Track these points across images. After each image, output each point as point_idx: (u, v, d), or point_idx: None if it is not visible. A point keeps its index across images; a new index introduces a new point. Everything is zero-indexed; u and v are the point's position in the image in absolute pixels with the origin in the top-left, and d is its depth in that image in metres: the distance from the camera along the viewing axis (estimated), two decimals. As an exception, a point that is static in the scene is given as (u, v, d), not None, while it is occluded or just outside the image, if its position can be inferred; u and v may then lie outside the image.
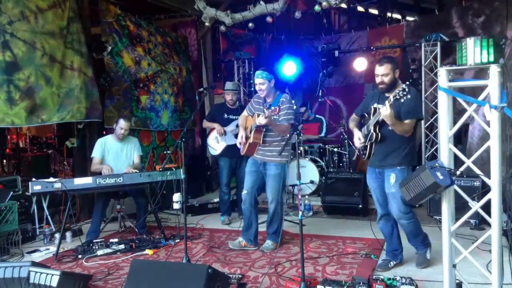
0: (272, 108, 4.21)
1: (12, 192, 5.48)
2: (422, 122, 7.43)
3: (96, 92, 6.25)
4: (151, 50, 7.60)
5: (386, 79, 3.76)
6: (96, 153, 5.50)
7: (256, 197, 4.84)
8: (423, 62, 7.63)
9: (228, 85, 6.02)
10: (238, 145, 4.86)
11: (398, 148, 3.83)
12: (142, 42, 7.40)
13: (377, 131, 3.85)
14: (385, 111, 3.57)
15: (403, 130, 3.72)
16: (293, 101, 4.57)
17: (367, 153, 3.96)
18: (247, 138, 4.71)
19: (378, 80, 3.83)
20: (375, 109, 3.85)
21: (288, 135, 4.57)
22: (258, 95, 4.79)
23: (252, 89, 8.81)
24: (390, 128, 3.79)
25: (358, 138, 4.03)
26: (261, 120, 4.23)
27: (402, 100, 3.56)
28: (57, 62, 5.70)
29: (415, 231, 3.97)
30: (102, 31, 6.64)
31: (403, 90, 3.50)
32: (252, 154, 4.75)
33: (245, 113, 4.98)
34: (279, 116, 4.40)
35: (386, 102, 3.60)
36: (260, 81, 4.56)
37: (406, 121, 3.72)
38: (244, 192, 4.79)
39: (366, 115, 4.00)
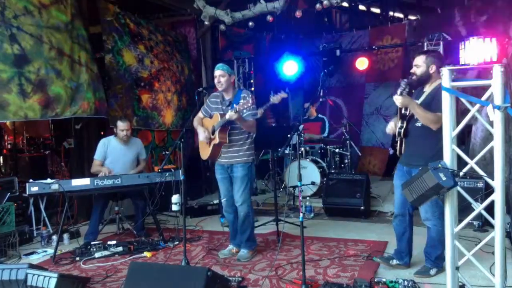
0: (241, 102, 4.06)
1: (9, 194, 5.47)
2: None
3: (102, 88, 6.22)
4: (153, 47, 7.56)
5: (418, 71, 3.68)
6: (97, 155, 5.46)
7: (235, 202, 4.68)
8: (425, 62, 7.57)
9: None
10: (204, 145, 4.57)
11: (424, 148, 3.65)
12: (143, 40, 7.38)
13: (403, 125, 3.76)
14: (397, 99, 3.53)
15: (427, 119, 3.53)
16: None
17: (398, 148, 3.88)
18: (210, 139, 4.49)
19: (412, 70, 3.75)
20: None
21: (253, 133, 4.50)
22: (214, 94, 4.63)
23: (252, 88, 8.78)
24: (417, 124, 3.70)
25: (391, 129, 3.95)
26: (232, 116, 4.06)
27: (405, 92, 3.50)
28: (66, 55, 5.64)
29: (436, 241, 3.80)
30: (102, 29, 6.61)
31: (406, 83, 3.46)
32: (216, 157, 4.54)
33: (200, 114, 4.71)
34: (244, 112, 4.25)
35: (398, 90, 3.53)
36: (220, 73, 4.38)
37: (436, 113, 3.52)
38: (223, 199, 4.66)
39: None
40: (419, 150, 3.70)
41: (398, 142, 3.86)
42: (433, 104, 3.59)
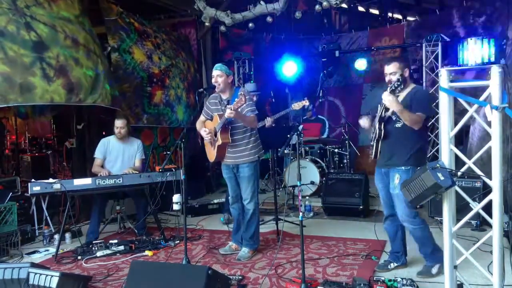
0: (236, 100, 4.08)
1: (11, 193, 5.48)
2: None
3: (114, 83, 6.20)
4: (160, 45, 7.57)
5: (395, 78, 3.69)
6: (98, 154, 5.50)
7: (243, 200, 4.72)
8: (424, 62, 7.62)
9: (251, 86, 5.90)
10: (210, 147, 4.59)
11: (404, 148, 3.73)
12: (150, 38, 7.39)
13: (382, 128, 3.78)
14: (386, 96, 3.54)
15: (412, 120, 3.58)
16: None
17: (373, 152, 3.89)
18: (214, 141, 4.49)
19: (386, 79, 3.79)
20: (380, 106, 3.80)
21: (255, 130, 4.54)
22: (213, 95, 4.65)
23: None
24: (396, 125, 3.73)
25: (363, 121, 3.98)
26: (230, 114, 4.06)
27: (398, 91, 3.57)
28: (81, 45, 5.61)
29: (423, 239, 3.85)
30: (106, 29, 6.61)
31: (398, 80, 3.51)
32: (223, 158, 4.56)
33: (201, 118, 4.71)
34: (243, 109, 4.27)
35: (388, 89, 3.58)
36: (218, 73, 4.40)
37: (417, 113, 3.62)
38: (230, 197, 4.72)
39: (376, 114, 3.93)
40: (399, 150, 3.75)
41: (374, 145, 3.87)
42: (413, 105, 3.65)
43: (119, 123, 5.48)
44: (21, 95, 4.89)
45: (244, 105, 4.14)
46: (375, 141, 3.85)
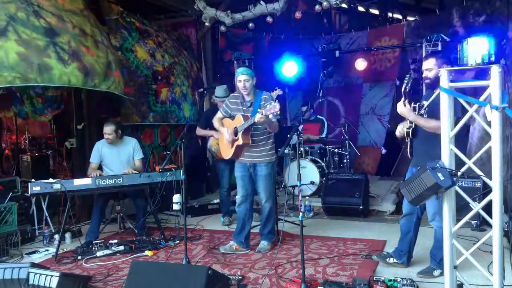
0: (269, 106, 4.14)
1: (11, 193, 5.47)
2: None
3: (125, 73, 6.14)
4: (161, 43, 7.54)
5: (430, 74, 3.67)
6: (92, 159, 5.50)
7: (252, 199, 4.82)
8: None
9: (219, 91, 5.84)
10: (227, 145, 4.67)
11: (432, 148, 3.56)
12: (151, 37, 7.38)
13: (410, 126, 3.75)
14: (399, 107, 3.54)
15: (429, 127, 3.53)
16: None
17: (408, 150, 3.87)
18: (233, 140, 4.59)
19: (424, 75, 3.76)
20: (414, 107, 3.74)
21: (272, 133, 4.62)
22: (234, 95, 4.75)
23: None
24: None
25: (399, 131, 3.94)
26: (260, 118, 4.14)
27: (408, 89, 3.54)
28: (89, 35, 5.52)
29: (441, 242, 3.78)
30: (108, 29, 6.58)
31: (406, 89, 3.49)
32: (238, 157, 4.67)
33: (219, 114, 4.83)
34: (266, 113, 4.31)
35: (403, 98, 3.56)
36: (245, 78, 4.48)
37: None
38: (239, 196, 4.76)
39: None
40: (428, 150, 3.64)
41: (408, 143, 3.84)
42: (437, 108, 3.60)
43: (106, 130, 5.39)
44: (40, 75, 4.81)
45: (277, 111, 4.19)
46: (408, 139, 3.83)
